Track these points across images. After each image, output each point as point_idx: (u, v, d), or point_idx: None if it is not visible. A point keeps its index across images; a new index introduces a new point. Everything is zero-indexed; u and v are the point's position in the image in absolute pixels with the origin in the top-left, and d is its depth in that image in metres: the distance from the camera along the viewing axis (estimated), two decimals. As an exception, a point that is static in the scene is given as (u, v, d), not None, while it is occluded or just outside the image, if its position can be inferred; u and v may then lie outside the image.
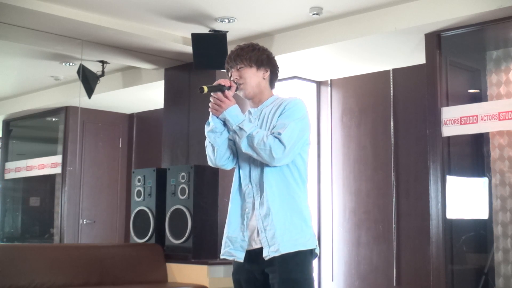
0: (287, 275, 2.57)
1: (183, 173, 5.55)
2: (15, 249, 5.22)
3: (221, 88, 2.65)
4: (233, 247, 2.68)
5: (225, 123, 2.67)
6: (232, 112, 2.61)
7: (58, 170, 7.47)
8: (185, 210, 5.47)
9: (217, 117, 2.65)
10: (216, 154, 2.73)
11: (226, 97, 2.63)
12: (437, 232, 4.71)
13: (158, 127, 6.76)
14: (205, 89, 2.60)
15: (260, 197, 2.64)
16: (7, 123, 8.59)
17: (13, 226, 8.34)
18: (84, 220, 7.43)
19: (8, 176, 8.31)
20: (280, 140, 2.57)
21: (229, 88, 2.66)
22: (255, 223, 2.65)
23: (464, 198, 5.16)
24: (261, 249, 2.61)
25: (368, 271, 5.99)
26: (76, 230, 7.27)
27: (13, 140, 8.65)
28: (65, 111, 7.53)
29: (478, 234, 5.39)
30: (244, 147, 2.61)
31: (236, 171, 2.79)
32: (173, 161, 6.22)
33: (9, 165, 8.33)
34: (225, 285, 5.24)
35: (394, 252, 5.78)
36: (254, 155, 2.61)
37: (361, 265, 6.04)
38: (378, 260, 5.93)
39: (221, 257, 2.74)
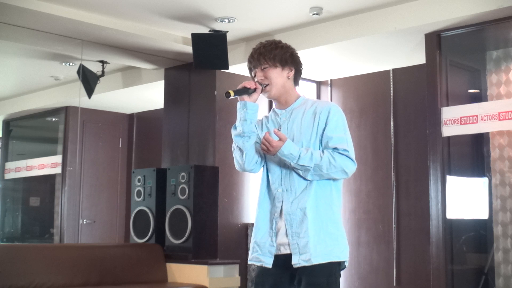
0: (313, 280, 2.52)
1: (183, 173, 5.55)
2: (15, 249, 5.21)
3: (246, 91, 2.61)
4: (261, 252, 2.61)
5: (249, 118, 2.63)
6: (285, 152, 2.53)
7: (58, 170, 7.47)
8: (185, 210, 5.47)
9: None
10: (245, 158, 2.66)
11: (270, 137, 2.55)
12: (437, 232, 4.71)
13: (158, 127, 6.76)
14: (231, 93, 2.57)
15: (293, 202, 2.57)
16: (7, 123, 8.60)
17: (13, 226, 8.34)
18: (84, 220, 7.43)
19: (8, 176, 8.31)
20: (348, 157, 2.58)
21: (255, 90, 2.62)
22: (285, 228, 2.58)
23: (464, 198, 5.16)
24: (290, 255, 2.56)
25: (368, 271, 5.99)
26: (76, 230, 7.27)
27: (13, 140, 8.65)
28: (65, 111, 7.53)
29: (478, 234, 5.39)
30: (310, 177, 2.57)
31: (263, 173, 2.71)
32: (173, 161, 6.22)
33: (9, 165, 8.33)
34: (225, 285, 5.24)
35: (394, 252, 5.78)
36: (323, 177, 2.58)
37: (361, 265, 6.04)
38: (378, 260, 5.93)
39: (249, 262, 2.69)
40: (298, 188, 2.58)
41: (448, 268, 4.76)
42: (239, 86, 2.63)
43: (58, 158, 7.51)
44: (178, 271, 5.40)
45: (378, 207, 5.97)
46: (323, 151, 2.57)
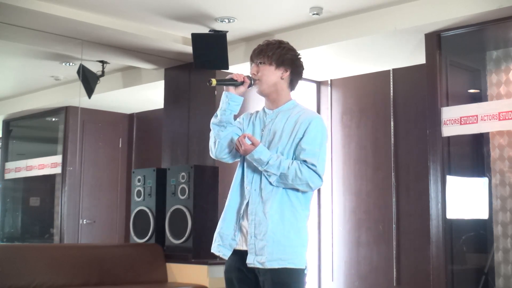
0: (278, 278, 2.55)
1: (183, 173, 5.55)
2: (15, 249, 5.22)
3: (233, 83, 2.65)
4: (222, 243, 2.68)
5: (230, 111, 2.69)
6: (255, 156, 2.58)
7: (58, 170, 7.47)
8: (185, 210, 5.47)
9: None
10: (217, 146, 2.73)
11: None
12: (437, 232, 4.71)
13: (158, 127, 6.76)
14: (214, 81, 2.60)
15: (258, 203, 2.61)
16: (7, 123, 8.59)
17: (13, 226, 8.34)
18: (84, 220, 7.42)
19: (8, 176, 8.31)
20: (315, 172, 2.60)
21: (242, 83, 2.66)
22: (247, 226, 2.62)
23: (464, 198, 5.16)
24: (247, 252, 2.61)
25: (368, 271, 5.99)
26: (76, 230, 7.27)
27: (13, 140, 8.65)
28: (65, 111, 7.53)
29: (478, 234, 5.39)
30: (275, 183, 2.60)
31: (240, 166, 2.74)
32: (173, 161, 6.22)
33: (9, 165, 8.33)
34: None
35: (394, 252, 5.78)
36: (287, 186, 2.61)
37: (361, 265, 6.04)
38: (378, 260, 5.93)
39: (211, 251, 2.74)
40: (265, 191, 2.61)
41: (448, 268, 4.76)
42: (227, 77, 2.67)
43: (58, 158, 7.51)
44: (178, 271, 5.40)
45: (378, 207, 5.97)
46: (293, 161, 2.60)
